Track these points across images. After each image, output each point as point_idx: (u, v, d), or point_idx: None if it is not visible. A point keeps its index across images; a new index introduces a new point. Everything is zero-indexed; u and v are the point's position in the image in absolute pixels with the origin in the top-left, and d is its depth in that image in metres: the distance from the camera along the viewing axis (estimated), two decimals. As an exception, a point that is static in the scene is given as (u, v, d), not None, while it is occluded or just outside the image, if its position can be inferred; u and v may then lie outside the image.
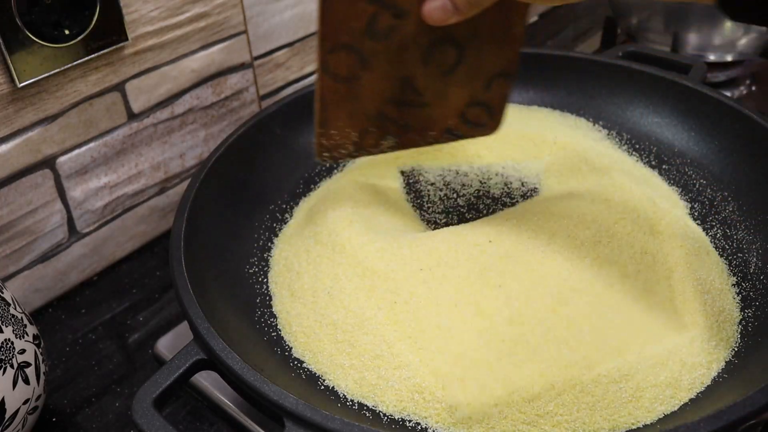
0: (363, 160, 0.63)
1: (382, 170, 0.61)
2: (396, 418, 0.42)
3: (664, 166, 0.61)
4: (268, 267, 0.54)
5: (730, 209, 0.56)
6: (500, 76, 0.53)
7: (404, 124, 0.53)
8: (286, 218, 0.58)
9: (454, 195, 0.60)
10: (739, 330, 0.46)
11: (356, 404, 0.43)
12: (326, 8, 0.46)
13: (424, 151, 0.63)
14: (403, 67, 0.50)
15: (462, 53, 0.50)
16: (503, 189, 0.60)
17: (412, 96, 0.52)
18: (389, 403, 0.42)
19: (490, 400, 0.41)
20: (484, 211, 0.57)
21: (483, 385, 0.42)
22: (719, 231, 0.54)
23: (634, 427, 0.41)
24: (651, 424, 0.41)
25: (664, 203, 0.55)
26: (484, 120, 0.55)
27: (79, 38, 0.52)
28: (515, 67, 0.52)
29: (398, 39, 0.48)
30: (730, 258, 0.52)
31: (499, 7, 0.47)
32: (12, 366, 0.42)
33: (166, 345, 0.52)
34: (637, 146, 0.63)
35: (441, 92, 0.52)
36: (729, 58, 0.83)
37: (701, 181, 0.59)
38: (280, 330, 0.48)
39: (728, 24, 0.80)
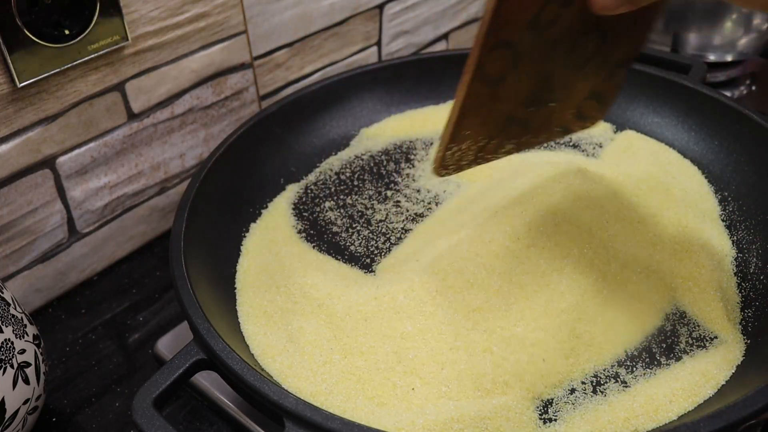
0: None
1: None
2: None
3: (664, 166, 0.61)
4: (268, 267, 0.54)
5: (730, 209, 0.56)
6: (622, 65, 0.48)
7: (526, 125, 0.48)
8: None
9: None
10: (739, 330, 0.46)
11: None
12: (498, 5, 0.40)
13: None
14: (549, 63, 0.45)
15: (602, 43, 0.46)
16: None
17: (544, 94, 0.47)
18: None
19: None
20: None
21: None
22: (719, 231, 0.54)
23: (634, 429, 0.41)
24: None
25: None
26: (594, 113, 0.51)
27: (79, 38, 0.52)
28: (637, 56, 0.48)
29: (555, 31, 0.43)
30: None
31: None
32: (12, 366, 0.42)
33: (166, 345, 0.52)
34: (637, 146, 0.63)
35: (569, 86, 0.48)
36: (729, 58, 0.83)
37: (701, 181, 0.59)
38: (280, 330, 0.48)
39: (728, 24, 0.80)
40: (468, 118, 0.44)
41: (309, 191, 0.61)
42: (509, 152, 0.49)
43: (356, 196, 0.60)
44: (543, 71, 0.45)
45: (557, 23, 0.43)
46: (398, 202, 0.59)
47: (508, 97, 0.45)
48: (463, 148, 0.46)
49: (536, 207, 0.52)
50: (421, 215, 0.58)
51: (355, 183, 0.61)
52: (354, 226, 0.57)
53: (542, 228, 0.51)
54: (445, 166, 0.47)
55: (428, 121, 0.68)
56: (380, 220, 0.57)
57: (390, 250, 0.55)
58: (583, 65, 0.46)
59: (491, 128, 0.46)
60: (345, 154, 0.65)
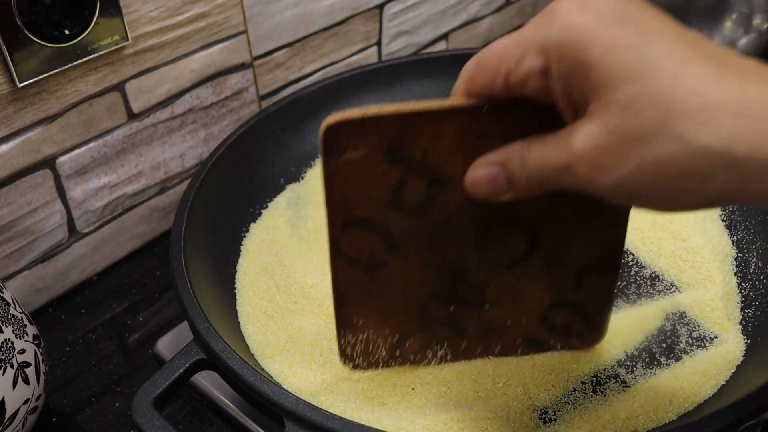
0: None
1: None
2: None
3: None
4: (268, 267, 0.54)
5: (730, 209, 0.56)
6: (595, 270, 0.39)
7: (459, 327, 0.41)
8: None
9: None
10: (739, 330, 0.46)
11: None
12: (329, 176, 0.34)
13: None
14: (450, 253, 0.37)
15: (535, 239, 0.37)
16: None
17: (465, 292, 0.39)
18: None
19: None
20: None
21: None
22: (719, 231, 0.54)
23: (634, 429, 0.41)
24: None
25: None
26: (577, 326, 0.42)
27: (79, 38, 0.52)
28: (617, 261, 0.39)
29: (439, 214, 0.36)
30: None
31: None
32: (12, 366, 0.42)
33: (166, 345, 0.52)
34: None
35: (508, 289, 0.39)
36: (729, 58, 0.82)
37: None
38: (280, 330, 0.48)
39: (728, 24, 0.80)
40: (350, 303, 0.39)
41: (310, 190, 0.61)
42: (447, 359, 0.42)
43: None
44: (445, 263, 0.38)
45: (437, 203, 0.35)
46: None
47: (403, 288, 0.38)
48: (367, 340, 0.40)
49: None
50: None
51: (355, 183, 0.61)
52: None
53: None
54: (350, 357, 0.42)
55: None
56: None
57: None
58: (516, 263, 0.38)
59: (397, 322, 0.40)
60: (345, 154, 0.65)
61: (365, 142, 0.33)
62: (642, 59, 0.26)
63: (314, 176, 0.62)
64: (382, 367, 0.42)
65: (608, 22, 0.27)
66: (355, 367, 0.42)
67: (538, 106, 0.30)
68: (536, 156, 0.30)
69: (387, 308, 0.39)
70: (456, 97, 0.33)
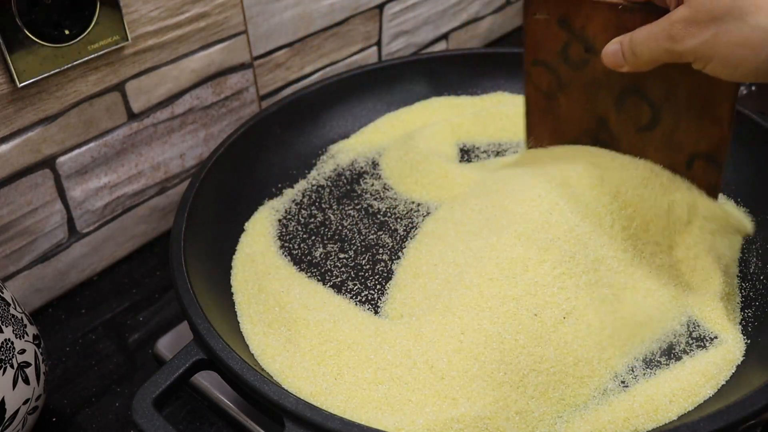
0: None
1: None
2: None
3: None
4: (268, 267, 0.54)
5: (730, 209, 0.56)
6: (703, 158, 0.50)
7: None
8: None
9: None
10: (739, 330, 0.46)
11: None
12: (527, 27, 0.53)
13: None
14: (597, 105, 0.53)
15: (657, 115, 0.51)
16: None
17: (606, 136, 0.55)
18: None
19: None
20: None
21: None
22: (719, 231, 0.54)
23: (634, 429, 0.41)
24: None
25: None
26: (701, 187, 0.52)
27: (79, 38, 0.52)
28: (722, 154, 0.49)
29: (590, 74, 0.52)
30: (730, 258, 0.52)
31: (697, 77, 0.44)
32: (12, 366, 0.42)
33: (166, 345, 0.52)
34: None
35: (637, 147, 0.53)
36: (729, 58, 0.82)
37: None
38: (280, 330, 0.48)
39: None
40: (532, 116, 0.57)
41: (309, 191, 0.61)
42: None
43: (355, 195, 0.60)
44: (595, 111, 0.54)
45: (589, 65, 0.51)
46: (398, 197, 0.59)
47: (567, 118, 0.55)
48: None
49: (534, 218, 0.52)
50: (419, 210, 0.58)
51: (355, 181, 0.62)
52: (355, 224, 0.57)
53: (542, 236, 0.51)
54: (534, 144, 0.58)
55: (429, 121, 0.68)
56: (382, 214, 0.58)
57: (392, 246, 0.55)
58: (643, 129, 0.52)
59: (560, 141, 0.57)
60: (345, 154, 0.65)
61: (546, 9, 0.51)
62: None
63: (314, 176, 0.63)
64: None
65: None
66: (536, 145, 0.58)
67: (653, 8, 0.46)
68: (640, 37, 0.44)
69: (555, 130, 0.57)
70: None
